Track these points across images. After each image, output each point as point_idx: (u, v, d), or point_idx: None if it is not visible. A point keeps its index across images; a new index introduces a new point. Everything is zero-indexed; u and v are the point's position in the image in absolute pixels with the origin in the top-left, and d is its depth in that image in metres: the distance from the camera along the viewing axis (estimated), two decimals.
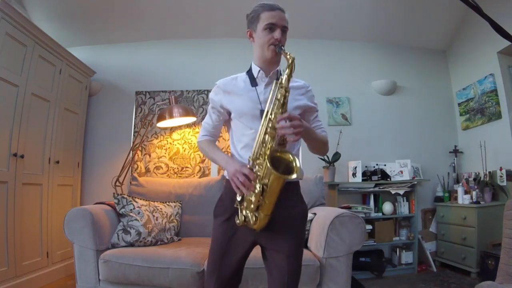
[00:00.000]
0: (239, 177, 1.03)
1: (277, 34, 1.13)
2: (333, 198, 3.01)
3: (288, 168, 1.03)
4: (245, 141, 1.18)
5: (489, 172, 2.93)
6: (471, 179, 3.06)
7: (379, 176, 3.06)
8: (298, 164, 1.03)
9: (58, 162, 2.72)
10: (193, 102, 3.28)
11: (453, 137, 3.48)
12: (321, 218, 1.96)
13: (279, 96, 1.05)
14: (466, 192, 2.94)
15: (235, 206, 1.09)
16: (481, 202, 2.79)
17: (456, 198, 3.02)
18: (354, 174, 3.10)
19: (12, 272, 2.16)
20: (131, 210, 2.15)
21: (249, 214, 1.07)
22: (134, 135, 3.22)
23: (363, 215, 2.89)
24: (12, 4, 2.37)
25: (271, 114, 1.06)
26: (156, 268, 1.78)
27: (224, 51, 3.37)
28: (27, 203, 2.36)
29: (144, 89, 3.32)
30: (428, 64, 3.61)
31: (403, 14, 3.26)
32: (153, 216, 2.21)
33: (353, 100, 3.43)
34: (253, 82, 1.21)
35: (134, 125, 3.27)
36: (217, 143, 1.36)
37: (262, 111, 1.12)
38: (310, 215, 2.11)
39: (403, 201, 3.08)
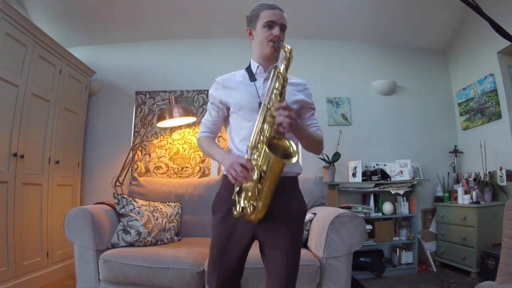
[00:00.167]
0: (236, 168, 1.04)
1: (276, 31, 1.17)
2: (333, 198, 3.01)
3: (285, 154, 1.03)
4: (243, 134, 1.20)
5: (489, 172, 2.93)
6: (471, 179, 3.07)
7: (379, 176, 3.06)
8: (295, 149, 1.04)
9: (58, 162, 2.72)
10: (193, 102, 3.28)
11: (453, 137, 3.48)
12: (321, 218, 1.96)
13: (277, 85, 1.08)
14: (466, 192, 2.94)
15: (232, 198, 1.09)
16: (481, 202, 2.79)
17: (456, 198, 3.02)
18: (354, 174, 3.10)
19: (12, 272, 2.16)
20: (131, 210, 2.15)
21: (246, 205, 1.06)
22: (134, 135, 3.22)
23: (363, 215, 2.89)
24: (12, 4, 2.37)
25: (269, 103, 1.08)
26: (156, 268, 1.78)
27: (224, 51, 3.37)
28: (27, 203, 2.36)
29: (144, 89, 3.33)
30: (428, 64, 3.61)
31: (403, 14, 3.26)
32: (153, 216, 2.21)
33: (353, 100, 3.43)
34: (252, 77, 1.24)
35: (134, 125, 3.27)
36: (217, 142, 1.36)
37: (260, 104, 1.14)
38: (310, 215, 2.11)
39: (403, 201, 3.08)
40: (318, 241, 1.85)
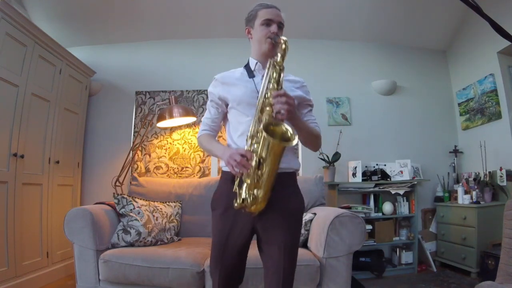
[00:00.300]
0: (236, 158, 1.04)
1: (273, 28, 1.20)
2: (333, 198, 3.01)
3: (284, 138, 1.04)
4: (241, 129, 1.21)
5: (489, 172, 2.93)
6: (471, 179, 3.06)
7: (379, 176, 3.06)
8: (292, 132, 1.04)
9: (58, 162, 2.72)
10: (193, 102, 3.28)
11: (453, 137, 3.49)
12: (321, 218, 1.96)
13: (274, 74, 1.09)
14: (466, 192, 2.94)
15: (233, 190, 1.09)
16: (481, 202, 2.79)
17: (456, 198, 3.02)
18: (354, 174, 3.10)
19: (12, 272, 2.16)
20: (131, 210, 2.15)
21: (247, 195, 1.06)
22: (134, 135, 3.22)
23: (363, 215, 2.89)
24: (12, 4, 2.37)
25: (266, 92, 1.09)
26: (156, 268, 1.78)
27: (224, 51, 3.37)
28: (27, 203, 2.36)
29: (144, 89, 3.32)
30: (428, 64, 3.61)
31: (403, 14, 3.26)
32: (153, 216, 2.21)
33: (353, 100, 3.43)
34: (251, 73, 1.26)
35: (134, 125, 3.27)
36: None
37: None
38: (310, 215, 2.11)
39: (403, 201, 3.08)
40: (318, 241, 1.85)
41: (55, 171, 2.70)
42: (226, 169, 1.24)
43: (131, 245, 2.03)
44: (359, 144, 3.31)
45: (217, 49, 3.42)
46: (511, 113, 2.87)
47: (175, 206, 2.45)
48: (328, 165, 3.05)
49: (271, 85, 1.09)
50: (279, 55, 1.10)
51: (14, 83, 2.23)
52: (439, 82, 3.59)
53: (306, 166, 3.18)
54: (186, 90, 3.31)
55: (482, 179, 2.94)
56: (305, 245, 2.04)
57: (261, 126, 1.05)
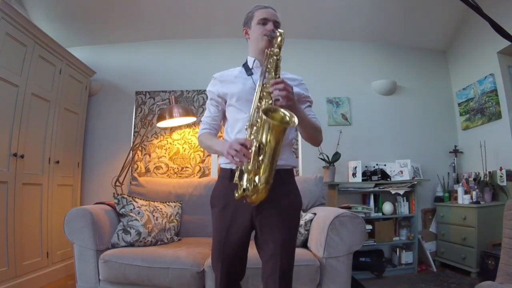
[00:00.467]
0: (236, 147, 1.04)
1: (269, 26, 1.24)
2: (333, 198, 3.01)
3: (283, 121, 1.04)
4: (239, 126, 1.22)
5: (489, 172, 2.93)
6: (471, 179, 3.06)
7: (379, 176, 3.06)
8: (290, 114, 1.04)
9: (58, 162, 2.72)
10: (193, 102, 3.28)
11: (453, 137, 3.48)
12: (321, 218, 1.96)
13: (272, 64, 1.12)
14: (466, 192, 2.94)
15: (234, 181, 1.09)
16: (481, 202, 2.79)
17: (456, 198, 3.02)
18: (354, 174, 3.10)
19: (12, 272, 2.16)
20: (131, 210, 2.15)
21: (248, 184, 1.05)
22: (134, 135, 3.22)
23: (363, 215, 2.89)
24: (12, 4, 2.37)
25: (265, 82, 1.11)
26: (156, 268, 1.78)
27: (224, 51, 3.37)
28: (27, 203, 2.36)
29: (144, 89, 3.32)
30: (428, 64, 3.61)
31: (403, 14, 3.26)
32: (153, 216, 2.21)
33: (353, 100, 3.43)
34: (249, 71, 1.29)
35: (134, 125, 3.27)
36: None
37: None
38: (310, 215, 2.11)
39: (403, 201, 3.08)
40: (318, 241, 1.85)
41: (55, 171, 2.70)
42: (224, 166, 1.25)
43: (131, 245, 2.03)
44: (359, 144, 3.31)
45: (217, 49, 3.42)
46: (511, 113, 2.87)
47: (175, 206, 2.45)
48: (328, 165, 3.05)
49: (268, 74, 1.11)
50: (275, 45, 1.12)
51: (14, 83, 2.23)
52: (439, 82, 3.59)
53: (306, 166, 3.18)
54: (186, 90, 3.31)
55: (482, 179, 2.94)
56: (305, 245, 2.04)
57: (260, 112, 1.05)
